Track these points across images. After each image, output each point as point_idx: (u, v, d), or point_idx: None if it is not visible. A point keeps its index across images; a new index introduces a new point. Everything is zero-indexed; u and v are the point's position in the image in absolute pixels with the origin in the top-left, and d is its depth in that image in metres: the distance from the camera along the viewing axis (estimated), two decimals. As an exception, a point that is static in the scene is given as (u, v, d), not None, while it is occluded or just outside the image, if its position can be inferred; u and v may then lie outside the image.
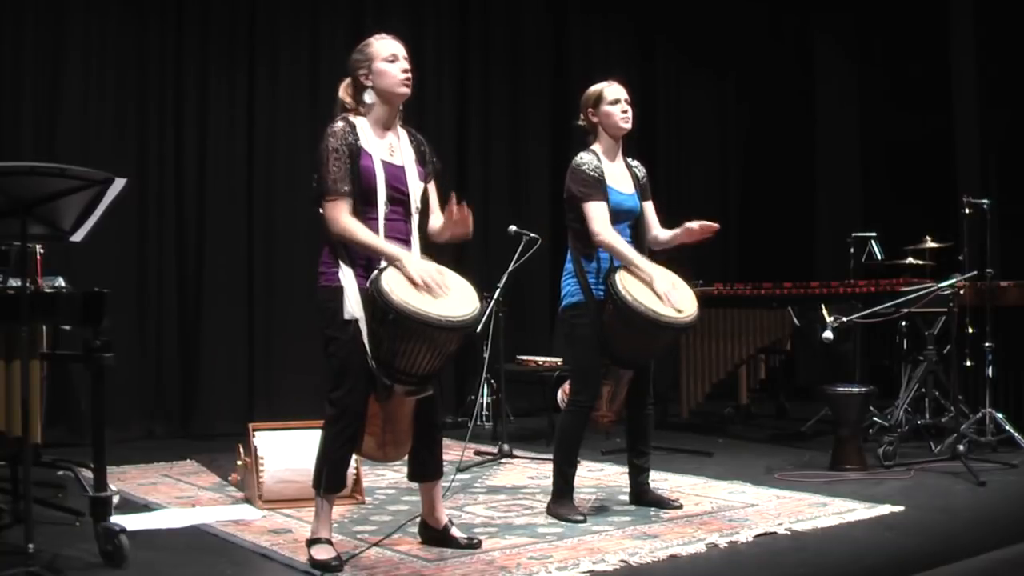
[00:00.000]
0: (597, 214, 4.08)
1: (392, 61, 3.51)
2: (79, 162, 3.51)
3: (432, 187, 3.69)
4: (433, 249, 3.62)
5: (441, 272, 3.43)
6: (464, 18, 8.05)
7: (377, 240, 3.40)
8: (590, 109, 4.24)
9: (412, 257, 3.42)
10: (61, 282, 4.16)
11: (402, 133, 3.62)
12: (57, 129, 6.33)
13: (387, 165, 3.48)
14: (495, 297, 5.64)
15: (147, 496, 4.60)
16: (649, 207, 4.32)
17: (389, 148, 3.53)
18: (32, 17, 6.22)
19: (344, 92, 3.58)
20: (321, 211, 3.43)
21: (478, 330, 5.60)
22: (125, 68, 6.58)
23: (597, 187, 4.10)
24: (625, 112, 4.19)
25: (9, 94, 6.16)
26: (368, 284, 3.33)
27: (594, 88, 4.26)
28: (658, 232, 4.30)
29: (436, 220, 3.64)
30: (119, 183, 3.55)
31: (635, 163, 4.38)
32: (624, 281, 3.97)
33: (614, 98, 4.20)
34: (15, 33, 6.18)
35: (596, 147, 4.24)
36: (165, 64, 6.72)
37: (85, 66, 6.43)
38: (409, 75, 3.53)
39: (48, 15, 6.28)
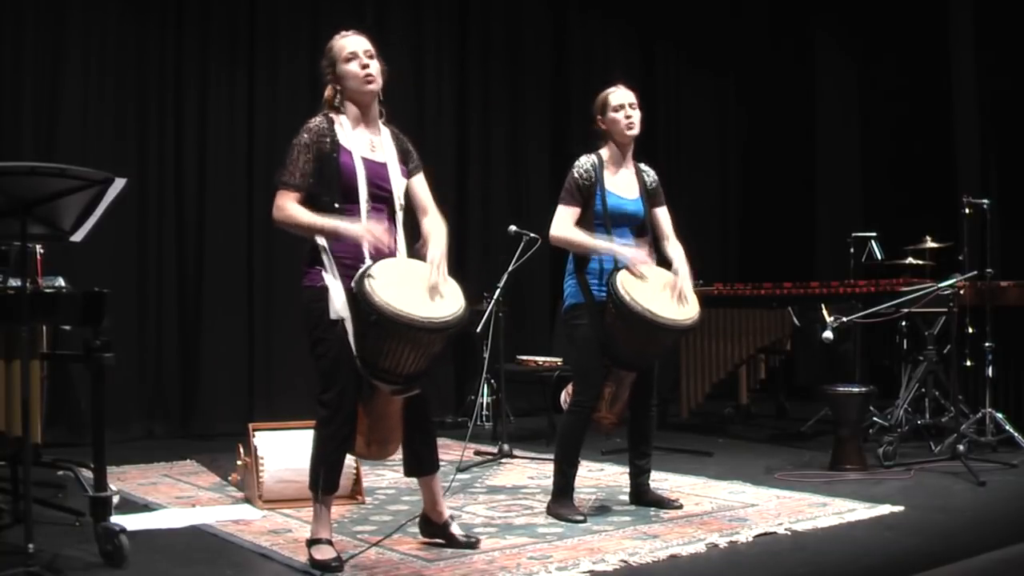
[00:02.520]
0: (559, 217, 4.13)
1: (350, 60, 3.47)
2: (79, 162, 3.51)
3: (424, 184, 3.65)
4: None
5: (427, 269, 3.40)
6: (464, 19, 8.04)
7: (318, 218, 3.35)
8: (599, 116, 4.23)
9: (362, 226, 3.36)
10: (61, 282, 4.17)
11: (384, 131, 3.59)
12: (57, 129, 6.32)
13: (368, 162, 3.45)
14: (495, 297, 5.63)
15: (147, 496, 4.60)
16: (660, 213, 4.28)
17: (370, 144, 3.50)
18: (32, 17, 6.22)
19: (329, 95, 3.54)
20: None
21: (478, 330, 5.61)
22: (125, 68, 6.57)
23: (574, 194, 4.12)
24: (629, 118, 4.17)
25: (9, 94, 6.16)
26: (352, 285, 3.31)
27: (602, 94, 4.25)
28: (671, 246, 4.23)
29: (429, 221, 3.59)
30: (119, 183, 3.55)
31: (646, 168, 4.35)
32: (624, 282, 3.96)
33: (618, 104, 4.18)
34: (15, 33, 6.18)
35: (603, 151, 4.23)
36: (165, 64, 6.72)
37: (85, 66, 6.42)
38: (369, 71, 3.46)
39: (48, 15, 6.28)
